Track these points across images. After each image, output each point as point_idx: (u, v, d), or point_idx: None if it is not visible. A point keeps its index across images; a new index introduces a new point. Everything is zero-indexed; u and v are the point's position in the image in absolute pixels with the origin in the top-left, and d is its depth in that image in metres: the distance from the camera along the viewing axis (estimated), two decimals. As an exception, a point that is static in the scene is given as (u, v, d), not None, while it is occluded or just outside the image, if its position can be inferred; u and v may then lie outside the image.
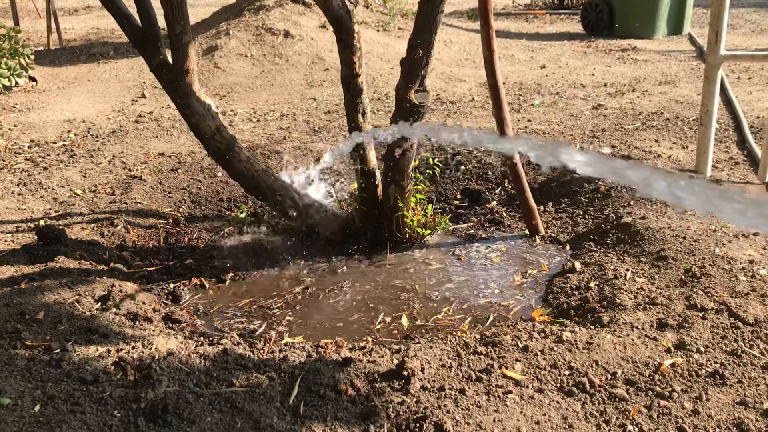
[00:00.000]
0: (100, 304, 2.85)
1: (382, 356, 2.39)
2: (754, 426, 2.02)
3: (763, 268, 2.90)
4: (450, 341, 2.52)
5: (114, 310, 2.81)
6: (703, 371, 2.26)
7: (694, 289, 2.77)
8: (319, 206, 3.59)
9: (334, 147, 3.67)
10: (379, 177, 3.57)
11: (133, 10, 3.20)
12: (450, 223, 3.86)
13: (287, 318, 2.96)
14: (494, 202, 4.17)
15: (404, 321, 2.91)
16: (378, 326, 2.88)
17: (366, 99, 3.46)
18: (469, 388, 2.18)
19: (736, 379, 2.23)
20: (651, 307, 2.67)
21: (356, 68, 3.35)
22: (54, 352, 2.38)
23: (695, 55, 8.08)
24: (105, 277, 3.10)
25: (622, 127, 5.15)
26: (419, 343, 2.55)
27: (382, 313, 2.99)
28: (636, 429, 2.02)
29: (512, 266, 3.41)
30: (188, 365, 2.31)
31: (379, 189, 3.57)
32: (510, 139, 1.81)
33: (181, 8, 3.10)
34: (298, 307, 3.06)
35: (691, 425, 2.03)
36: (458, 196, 4.30)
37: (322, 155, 4.53)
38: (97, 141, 5.18)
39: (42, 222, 3.66)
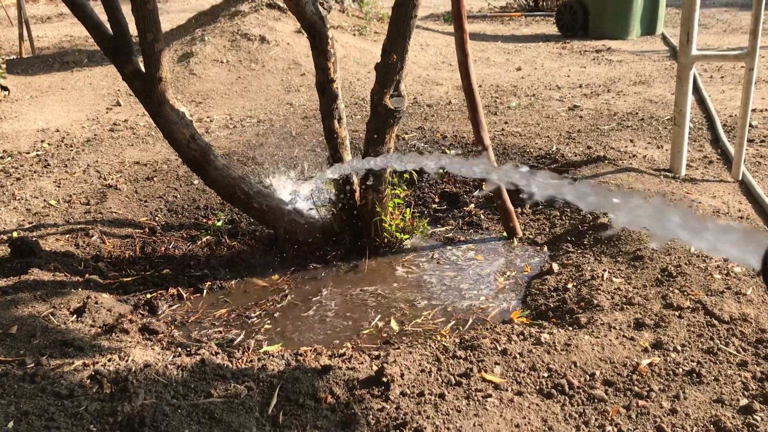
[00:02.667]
0: (75, 316, 2.81)
1: (362, 363, 2.38)
2: (731, 423, 2.04)
3: (738, 266, 2.94)
4: (429, 346, 2.52)
5: (90, 322, 2.78)
6: (680, 370, 2.28)
7: (671, 289, 2.79)
8: (297, 213, 3.57)
9: (319, 175, 3.67)
10: (356, 182, 3.56)
11: (104, 17, 3.17)
12: (428, 227, 3.87)
13: (266, 326, 2.94)
14: (472, 205, 4.18)
15: (393, 325, 2.90)
16: (359, 332, 2.87)
17: (341, 104, 3.45)
18: (448, 392, 2.18)
19: (713, 377, 2.25)
20: (628, 307, 2.69)
21: (331, 73, 3.34)
22: (28, 367, 2.34)
23: (669, 54, 8.17)
24: (80, 289, 3.05)
25: (597, 128, 5.19)
26: (399, 348, 2.54)
27: (363, 320, 2.98)
28: (615, 429, 2.03)
29: (491, 269, 3.42)
30: (165, 377, 2.29)
31: (357, 194, 3.56)
32: (491, 169, 1.82)
33: (153, 16, 3.07)
34: (276, 315, 3.04)
35: (669, 424, 2.04)
36: (436, 200, 4.30)
37: (298, 160, 4.52)
38: (72, 150, 5.11)
39: (15, 234, 3.61)
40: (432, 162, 2.08)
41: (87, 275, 3.24)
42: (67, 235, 3.66)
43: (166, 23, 9.29)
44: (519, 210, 3.96)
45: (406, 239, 3.68)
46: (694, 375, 2.26)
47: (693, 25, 3.85)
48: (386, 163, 2.69)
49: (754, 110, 5.30)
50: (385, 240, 3.61)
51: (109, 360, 2.42)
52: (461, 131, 5.18)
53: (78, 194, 4.20)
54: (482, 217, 4.03)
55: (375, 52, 7.75)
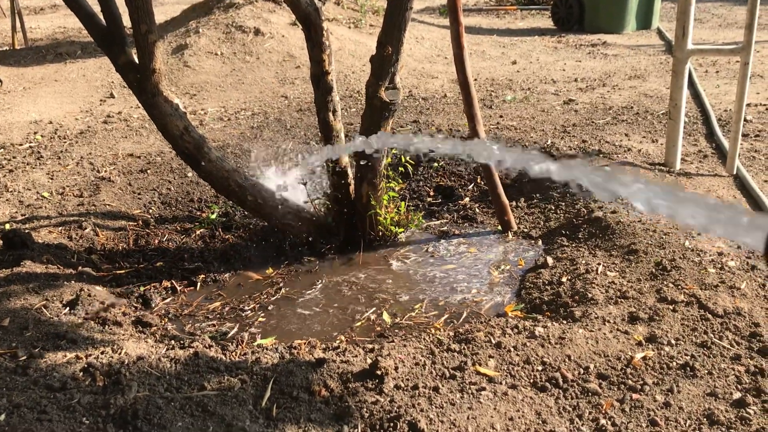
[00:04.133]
0: (68, 308, 2.80)
1: (356, 356, 2.37)
2: (724, 416, 2.04)
3: (732, 260, 2.94)
4: (424, 339, 2.51)
5: (83, 314, 2.76)
6: (674, 364, 2.29)
7: (665, 282, 2.79)
8: (292, 206, 3.56)
9: (307, 157, 3.66)
10: (351, 175, 3.55)
11: (97, 9, 3.14)
12: (423, 220, 3.86)
13: (260, 319, 2.94)
14: (467, 199, 4.17)
15: (386, 317, 2.90)
16: (354, 325, 2.87)
17: (336, 97, 3.44)
18: (442, 385, 2.18)
19: (706, 371, 2.25)
20: (622, 300, 2.69)
21: (326, 66, 3.32)
22: (20, 359, 2.33)
23: (664, 49, 8.17)
24: (73, 281, 3.04)
25: (592, 122, 5.19)
26: (393, 341, 2.54)
27: (357, 313, 2.97)
28: (609, 423, 2.03)
29: (485, 262, 3.42)
30: (159, 369, 2.28)
31: (352, 188, 3.55)
32: (482, 146, 1.84)
33: (146, 7, 3.04)
34: (270, 308, 3.03)
35: (663, 417, 2.04)
36: (431, 193, 4.29)
37: (293, 153, 4.51)
38: (65, 142, 5.09)
39: (7, 226, 3.59)
40: (413, 142, 2.08)
41: (80, 268, 3.22)
42: (60, 228, 3.64)
43: (161, 15, 9.24)
44: (514, 203, 3.96)
45: (400, 233, 3.67)
46: (688, 369, 2.26)
47: (689, 19, 3.84)
48: (371, 144, 2.68)
49: (748, 105, 5.30)
50: (380, 233, 3.61)
51: (102, 353, 2.41)
52: (456, 124, 5.17)
53: (71, 186, 4.18)
54: (477, 210, 4.02)
55: (370, 45, 7.73)
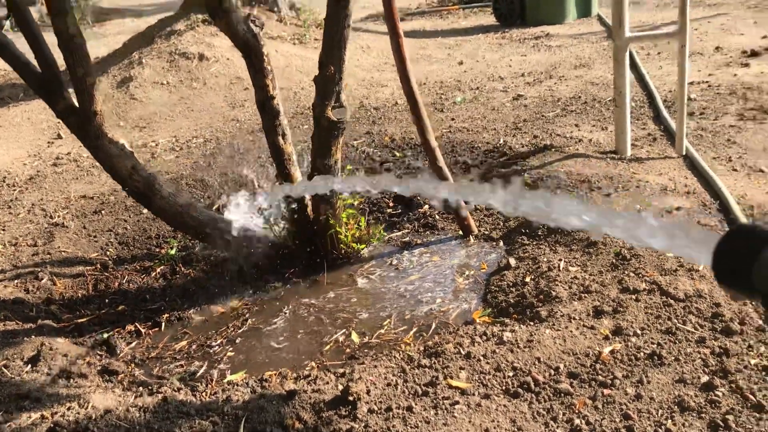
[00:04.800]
0: (30, 366, 2.72)
1: (327, 383, 2.35)
2: (694, 401, 2.07)
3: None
4: (394, 357, 2.50)
5: (45, 370, 2.69)
6: (642, 354, 2.31)
7: (626, 272, 2.83)
8: (251, 233, 3.52)
9: (264, 194, 3.62)
10: (308, 197, 3.52)
11: (30, 56, 3.08)
12: (385, 233, 3.85)
13: (228, 354, 2.89)
14: (426, 206, 4.18)
15: (354, 338, 2.89)
16: (323, 349, 2.84)
17: (284, 120, 3.41)
18: (416, 404, 2.17)
19: (674, 357, 2.28)
20: (586, 295, 2.72)
21: (270, 90, 3.30)
22: (-17, 426, 2.26)
23: (606, 35, 8.29)
24: (33, 336, 2.96)
25: (542, 116, 5.24)
26: (363, 363, 2.52)
27: (326, 335, 2.95)
28: (583, 422, 2.05)
29: (449, 269, 3.42)
30: (127, 420, 2.23)
31: (309, 208, 3.52)
32: (447, 187, 1.86)
33: (81, 50, 2.99)
34: (238, 342, 2.99)
35: (635, 410, 2.07)
36: (391, 204, 4.28)
37: (247, 180, 4.46)
38: (14, 190, 4.97)
39: (-39, 285, 3.49)
40: (375, 184, 2.08)
41: (39, 321, 3.14)
42: (16, 281, 3.55)
43: (104, 47, 9.13)
44: (473, 207, 3.97)
45: (363, 248, 3.66)
46: (656, 357, 2.29)
47: (624, 8, 3.90)
48: (329, 186, 2.67)
49: (691, 83, 5.41)
50: (342, 251, 3.59)
51: (69, 408, 2.35)
52: (409, 132, 5.18)
53: (24, 236, 4.09)
54: (437, 217, 4.02)
55: (316, 60, 7.69)
